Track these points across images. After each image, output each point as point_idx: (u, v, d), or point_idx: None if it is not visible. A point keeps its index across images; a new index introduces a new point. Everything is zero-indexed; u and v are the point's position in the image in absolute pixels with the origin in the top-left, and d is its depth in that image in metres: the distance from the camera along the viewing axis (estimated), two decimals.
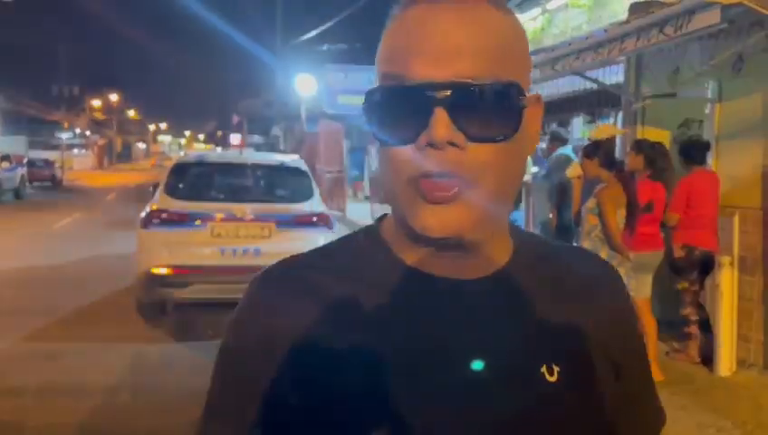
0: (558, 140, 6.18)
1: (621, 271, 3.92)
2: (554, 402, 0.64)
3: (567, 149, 6.16)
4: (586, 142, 7.54)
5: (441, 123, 0.58)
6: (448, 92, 0.59)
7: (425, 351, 0.63)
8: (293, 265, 0.70)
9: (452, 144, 0.59)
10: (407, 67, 0.60)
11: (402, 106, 0.61)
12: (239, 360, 0.67)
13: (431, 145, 0.59)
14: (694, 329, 4.60)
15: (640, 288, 3.96)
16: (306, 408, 0.63)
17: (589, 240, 4.02)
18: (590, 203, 4.04)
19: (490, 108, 0.60)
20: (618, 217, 3.95)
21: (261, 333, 0.66)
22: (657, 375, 4.64)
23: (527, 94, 0.63)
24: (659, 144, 4.67)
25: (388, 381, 0.62)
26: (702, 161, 4.63)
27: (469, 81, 0.59)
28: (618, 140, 5.80)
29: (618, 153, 5.40)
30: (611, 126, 5.42)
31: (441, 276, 0.66)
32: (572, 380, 0.66)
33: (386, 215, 0.73)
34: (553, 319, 0.68)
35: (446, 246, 0.64)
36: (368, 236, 0.72)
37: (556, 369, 0.65)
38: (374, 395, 0.62)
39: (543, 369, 0.65)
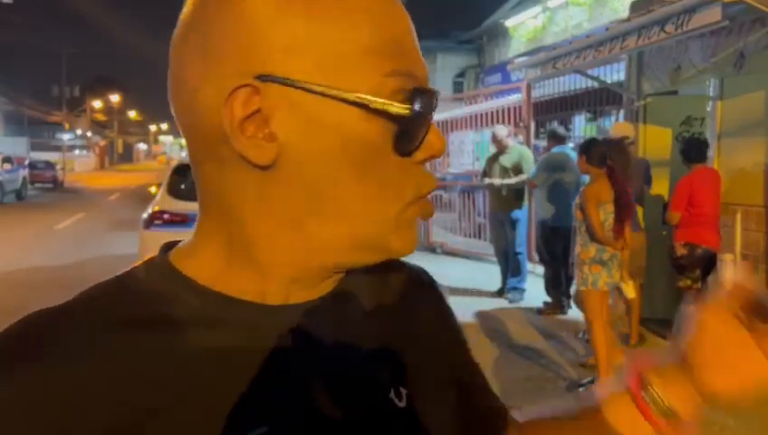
0: (555, 139, 6.18)
1: (613, 264, 3.94)
2: (408, 427, 0.59)
3: (566, 148, 6.16)
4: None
5: (439, 134, 0.53)
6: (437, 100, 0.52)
7: (276, 393, 0.52)
8: (50, 338, 0.47)
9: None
10: (416, 65, 0.51)
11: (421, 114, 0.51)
12: None
13: (428, 159, 0.53)
14: None
15: (598, 281, 3.98)
16: None
17: (579, 236, 4.07)
18: (578, 199, 4.12)
19: None
20: (602, 212, 3.97)
21: None
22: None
23: None
24: (615, 142, 4.73)
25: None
26: (701, 159, 4.63)
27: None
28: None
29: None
30: (627, 124, 5.41)
31: (277, 305, 0.54)
32: (420, 400, 0.60)
33: (171, 246, 0.57)
34: (392, 338, 0.61)
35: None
36: (162, 277, 0.53)
37: (404, 392, 0.59)
38: None
39: (392, 394, 0.58)
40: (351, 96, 0.47)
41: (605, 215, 3.99)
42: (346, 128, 0.48)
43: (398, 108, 0.49)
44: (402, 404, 0.58)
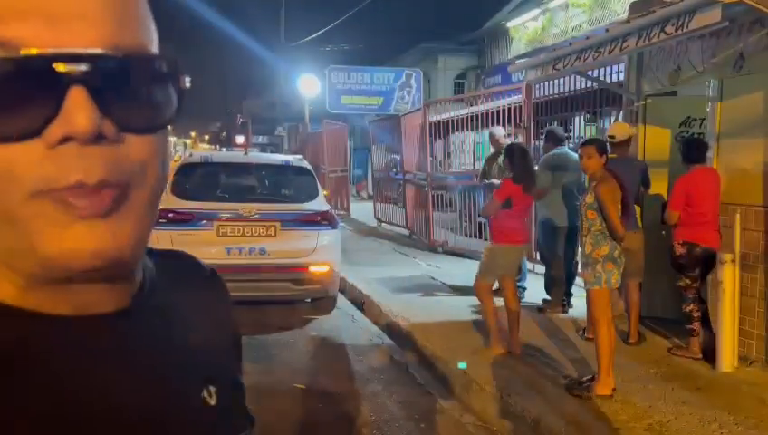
0: (553, 139, 6.20)
1: (621, 262, 3.98)
2: (216, 423, 0.59)
3: (565, 148, 6.18)
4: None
5: (83, 108, 0.42)
6: (88, 66, 0.43)
7: (71, 417, 0.48)
8: None
9: (101, 137, 0.44)
10: (20, 30, 0.42)
11: (19, 85, 0.42)
12: None
13: (71, 140, 0.43)
14: (696, 325, 4.64)
15: (611, 279, 4.05)
16: None
17: (590, 235, 4.07)
18: (589, 198, 4.11)
19: (144, 86, 0.47)
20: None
21: None
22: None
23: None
24: (515, 146, 5.23)
25: None
26: (700, 159, 4.66)
27: (115, 50, 0.44)
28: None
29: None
30: (628, 125, 5.43)
31: (70, 315, 0.49)
32: (225, 398, 0.61)
33: None
34: (199, 340, 0.60)
35: (86, 278, 0.47)
36: None
37: (213, 390, 0.59)
38: None
39: (204, 394, 0.58)
40: None
41: (618, 213, 4.05)
42: None
43: None
44: (213, 402, 0.58)
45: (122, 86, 0.45)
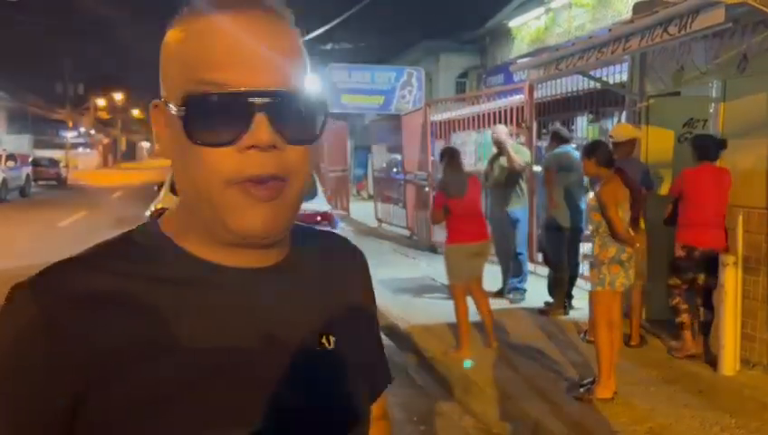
0: (558, 139, 6.18)
1: (630, 265, 3.95)
2: (334, 365, 0.76)
3: (568, 148, 6.15)
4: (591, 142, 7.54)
5: (264, 127, 0.65)
6: (268, 99, 0.65)
7: (227, 335, 0.69)
8: (69, 273, 0.68)
9: (273, 146, 0.66)
10: (229, 75, 0.65)
11: (225, 111, 0.65)
12: (33, 380, 0.64)
13: (254, 148, 0.65)
14: (684, 317, 4.63)
15: (615, 282, 4.03)
16: (119, 416, 0.64)
17: (598, 237, 4.06)
18: (592, 201, 4.11)
19: (303, 114, 0.69)
20: (620, 211, 4.01)
21: (59, 351, 0.63)
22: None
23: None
24: (444, 150, 5.33)
25: (194, 374, 0.66)
26: (708, 157, 4.61)
27: (285, 89, 0.67)
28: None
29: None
30: (630, 126, 5.40)
31: (234, 266, 0.71)
32: (345, 345, 0.77)
33: (162, 212, 0.78)
34: (326, 296, 0.79)
35: (251, 244, 0.69)
36: (148, 236, 0.73)
37: (332, 338, 0.76)
38: (185, 390, 0.66)
39: (324, 339, 0.76)
40: (161, 102, 0.70)
41: (623, 214, 4.03)
42: (173, 128, 0.68)
43: (174, 110, 0.67)
44: (331, 347, 0.76)
45: (290, 113, 0.67)
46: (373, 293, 0.91)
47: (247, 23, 0.66)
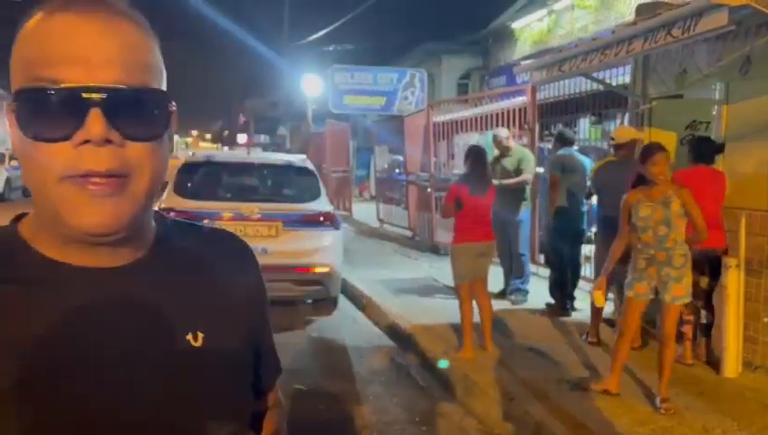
0: (561, 141, 6.17)
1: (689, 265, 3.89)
2: (201, 363, 0.75)
3: (572, 150, 6.15)
4: (593, 144, 7.54)
5: (97, 122, 0.65)
6: (104, 95, 0.65)
7: (72, 339, 0.68)
8: None
9: (108, 141, 0.65)
10: (63, 72, 0.65)
11: (58, 106, 0.65)
12: None
13: (89, 143, 0.65)
14: (686, 329, 4.61)
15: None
16: None
17: (677, 246, 3.87)
18: (675, 206, 3.85)
19: (143, 110, 0.68)
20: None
21: None
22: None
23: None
24: (471, 148, 5.33)
25: (38, 373, 0.66)
26: (702, 160, 4.61)
27: (123, 86, 0.67)
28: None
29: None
30: (632, 129, 5.40)
31: (83, 266, 0.71)
32: (216, 341, 0.77)
33: (24, 214, 0.77)
34: (196, 292, 0.78)
35: (98, 241, 0.69)
36: (4, 238, 0.74)
37: (200, 335, 0.75)
38: (27, 391, 0.65)
39: (189, 336, 0.75)
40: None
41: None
42: (14, 126, 0.68)
43: (11, 106, 0.67)
44: (197, 344, 0.75)
45: (127, 109, 0.67)
46: (262, 288, 0.90)
47: (86, 22, 0.67)
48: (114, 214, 0.67)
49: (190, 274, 0.79)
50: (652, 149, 3.98)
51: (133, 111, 0.67)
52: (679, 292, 3.84)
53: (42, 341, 0.67)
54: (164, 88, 0.73)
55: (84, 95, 0.65)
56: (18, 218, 0.77)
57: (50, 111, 0.65)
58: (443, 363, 4.68)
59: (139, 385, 0.70)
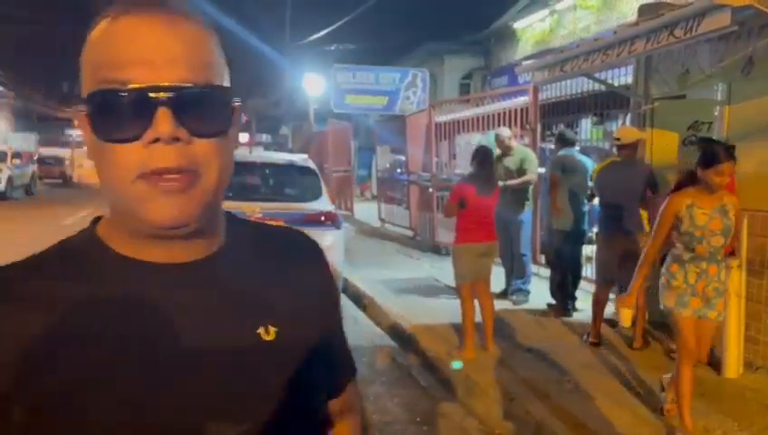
0: (563, 141, 6.17)
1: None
2: (274, 356, 0.76)
3: (573, 150, 6.15)
4: (594, 144, 7.54)
5: (165, 120, 0.67)
6: (170, 94, 0.67)
7: (144, 333, 0.70)
8: (12, 275, 0.72)
9: (176, 139, 0.68)
10: (130, 73, 0.68)
11: (127, 107, 0.67)
12: None
13: (158, 141, 0.67)
14: None
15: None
16: (47, 406, 0.66)
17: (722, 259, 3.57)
18: (731, 215, 3.49)
19: (208, 107, 0.70)
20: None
21: (4, 354, 0.67)
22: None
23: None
24: (479, 148, 5.25)
25: (114, 366, 0.68)
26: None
27: (188, 84, 0.69)
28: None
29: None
30: (635, 129, 5.40)
31: (156, 262, 0.74)
32: (289, 336, 0.78)
33: (101, 217, 0.80)
34: (268, 288, 0.80)
35: (169, 234, 0.72)
36: (82, 239, 0.78)
37: (272, 329, 0.77)
38: (113, 382, 0.68)
39: (260, 330, 0.76)
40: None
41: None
42: (87, 129, 0.71)
43: (83, 110, 0.70)
44: (269, 338, 0.76)
45: (194, 107, 0.69)
46: (333, 286, 0.92)
47: (149, 24, 0.69)
48: (185, 208, 0.69)
49: (261, 270, 0.81)
50: (718, 156, 3.39)
51: (199, 109, 0.69)
52: (722, 307, 3.57)
53: (114, 335, 0.69)
54: (227, 84, 0.75)
55: (151, 95, 0.67)
56: (97, 220, 0.80)
57: (120, 112, 0.67)
58: (456, 365, 4.64)
59: (210, 378, 0.71)
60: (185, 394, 0.70)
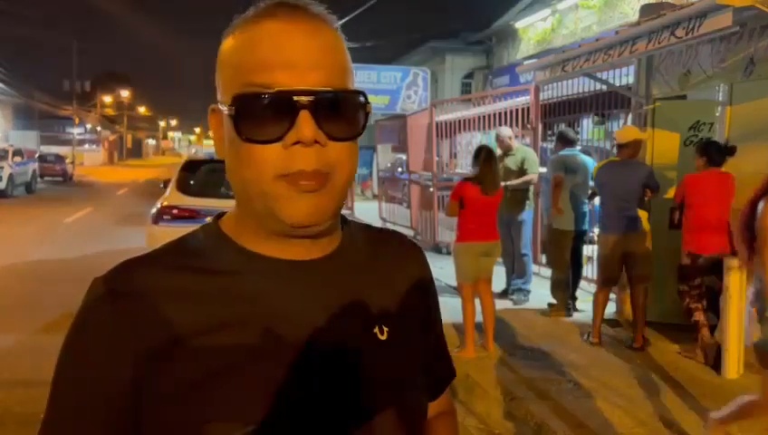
0: (563, 141, 6.16)
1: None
2: (388, 355, 0.78)
3: (574, 150, 6.14)
4: (595, 144, 7.54)
5: (307, 123, 0.69)
6: (311, 98, 0.69)
7: (266, 326, 0.73)
8: (135, 269, 0.75)
9: (316, 142, 0.70)
10: (273, 77, 0.70)
11: (271, 110, 0.70)
12: (109, 367, 0.70)
13: (298, 143, 0.69)
14: (699, 316, 4.64)
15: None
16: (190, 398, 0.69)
17: None
18: None
19: (345, 111, 0.73)
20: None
21: (124, 334, 0.70)
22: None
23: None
24: (481, 147, 5.13)
25: (242, 355, 0.71)
26: (713, 163, 4.61)
27: (328, 89, 0.71)
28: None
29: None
30: (635, 129, 5.40)
31: (280, 258, 0.76)
32: (398, 336, 0.80)
33: (222, 214, 0.83)
34: (380, 288, 0.82)
35: (301, 233, 0.74)
36: (207, 234, 0.80)
37: (385, 329, 0.79)
38: (257, 376, 0.70)
39: (376, 330, 0.79)
40: (217, 105, 0.76)
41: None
42: (226, 128, 0.74)
43: (226, 110, 0.72)
44: (383, 338, 0.79)
45: (330, 110, 0.71)
46: (433, 287, 0.94)
47: (292, 28, 0.71)
48: (320, 208, 0.72)
49: (372, 270, 0.83)
50: None
51: (337, 113, 0.71)
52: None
53: (245, 326, 0.72)
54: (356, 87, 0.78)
55: (296, 98, 0.69)
56: (219, 217, 0.82)
57: (264, 114, 0.70)
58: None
59: (328, 373, 0.73)
60: (304, 389, 0.72)
